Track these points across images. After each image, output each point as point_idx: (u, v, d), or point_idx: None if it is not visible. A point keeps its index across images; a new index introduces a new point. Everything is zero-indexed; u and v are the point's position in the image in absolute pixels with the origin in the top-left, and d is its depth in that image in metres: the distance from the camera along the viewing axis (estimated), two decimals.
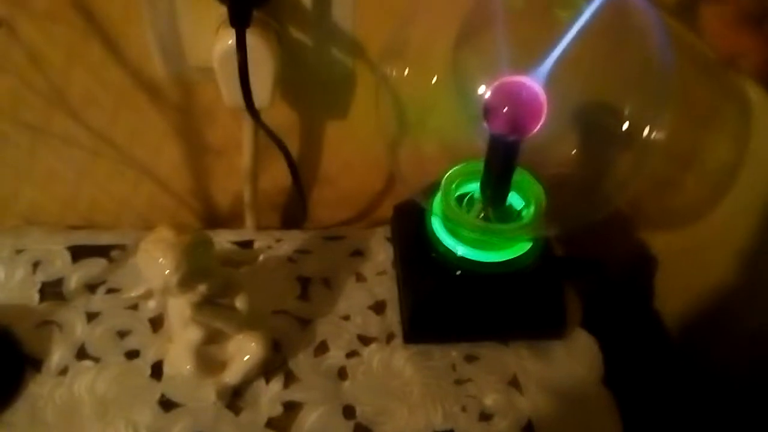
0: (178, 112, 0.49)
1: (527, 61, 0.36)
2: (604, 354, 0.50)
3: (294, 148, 0.53)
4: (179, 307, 0.40)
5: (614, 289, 0.67)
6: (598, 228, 0.62)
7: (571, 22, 0.33)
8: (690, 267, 0.64)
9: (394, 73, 0.40)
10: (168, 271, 0.36)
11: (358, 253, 0.54)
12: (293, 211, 0.59)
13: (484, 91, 0.37)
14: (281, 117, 0.50)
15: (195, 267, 0.37)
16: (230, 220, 0.58)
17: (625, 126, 0.38)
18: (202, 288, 0.38)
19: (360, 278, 0.52)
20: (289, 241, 0.54)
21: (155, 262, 0.36)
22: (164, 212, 0.58)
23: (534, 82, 0.36)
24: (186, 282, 0.37)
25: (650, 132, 0.37)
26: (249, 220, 0.55)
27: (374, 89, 0.42)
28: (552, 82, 0.36)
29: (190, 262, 0.36)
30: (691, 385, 0.60)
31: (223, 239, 0.53)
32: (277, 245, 0.54)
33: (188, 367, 0.41)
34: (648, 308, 0.68)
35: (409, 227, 0.49)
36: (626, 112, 0.38)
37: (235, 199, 0.56)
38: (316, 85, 0.49)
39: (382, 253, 0.54)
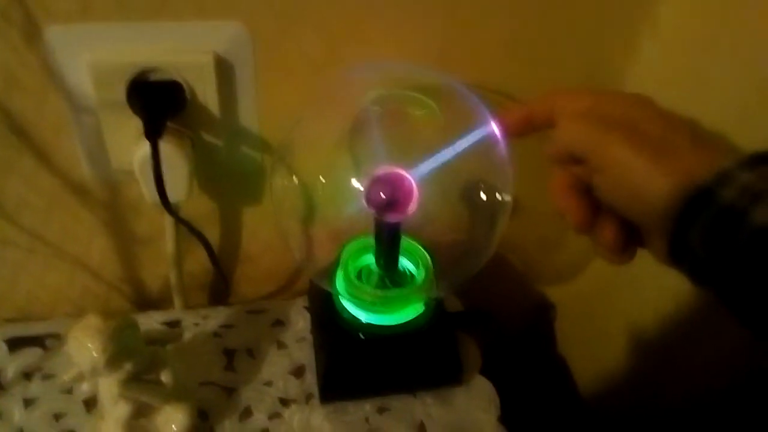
0: (106, 209, 0.55)
1: (397, 153, 0.44)
2: (507, 396, 0.57)
3: (215, 232, 0.60)
4: (108, 386, 0.44)
5: (518, 338, 0.75)
6: (497, 285, 0.70)
7: (428, 122, 0.41)
8: (581, 314, 0.72)
9: (287, 180, 0.48)
10: (95, 353, 0.41)
11: (279, 323, 0.60)
12: (219, 289, 0.65)
13: (364, 182, 0.44)
14: (202, 207, 0.57)
15: (121, 348, 0.42)
16: (160, 301, 0.63)
17: (483, 196, 0.46)
18: (128, 366, 0.43)
19: (281, 346, 0.58)
20: (215, 317, 0.59)
21: (84, 347, 0.41)
22: (97, 300, 0.62)
23: (405, 171, 0.44)
24: (113, 362, 0.42)
25: (501, 196, 0.45)
26: (177, 301, 0.60)
27: (271, 185, 0.49)
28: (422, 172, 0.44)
29: (116, 344, 0.42)
30: (588, 422, 0.67)
31: (153, 320, 0.58)
32: (204, 322, 0.59)
33: None
34: (551, 353, 0.75)
35: (322, 297, 0.55)
36: (482, 186, 0.46)
37: (163, 282, 0.61)
38: (230, 178, 0.56)
39: (301, 321, 0.60)
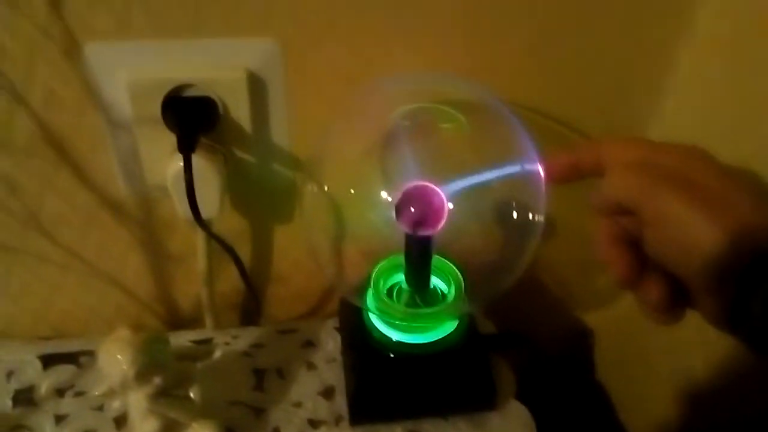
0: (140, 226, 0.56)
1: (428, 168, 0.43)
2: (544, 423, 0.54)
3: (247, 250, 0.60)
4: (137, 401, 0.44)
5: (555, 363, 0.72)
6: (534, 309, 0.68)
7: (457, 136, 0.41)
8: (621, 340, 0.69)
9: (317, 195, 0.48)
10: (125, 366, 0.41)
11: (310, 344, 0.59)
12: (250, 310, 0.64)
13: (393, 196, 0.44)
14: (233, 224, 0.57)
15: (150, 361, 0.42)
16: (192, 321, 0.63)
17: (515, 214, 0.45)
18: (157, 380, 0.43)
19: (311, 367, 0.57)
20: (246, 337, 0.59)
21: (114, 359, 0.41)
22: (131, 319, 0.62)
23: (436, 186, 0.43)
24: (142, 375, 0.42)
25: (534, 217, 0.44)
26: (208, 321, 0.60)
27: (301, 202, 0.49)
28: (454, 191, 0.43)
29: (146, 356, 0.41)
30: None
31: (184, 339, 0.58)
32: (234, 341, 0.59)
33: None
34: (590, 379, 0.72)
35: (352, 317, 0.54)
36: (514, 205, 0.45)
37: (195, 301, 0.61)
38: (262, 195, 0.56)
39: (331, 342, 0.59)
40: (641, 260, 0.35)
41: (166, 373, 0.44)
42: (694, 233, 0.30)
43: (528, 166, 0.41)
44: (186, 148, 0.45)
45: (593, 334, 0.72)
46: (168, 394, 0.45)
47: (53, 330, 0.62)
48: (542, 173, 0.41)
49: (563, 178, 0.39)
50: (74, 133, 0.49)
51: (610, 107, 0.55)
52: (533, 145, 0.41)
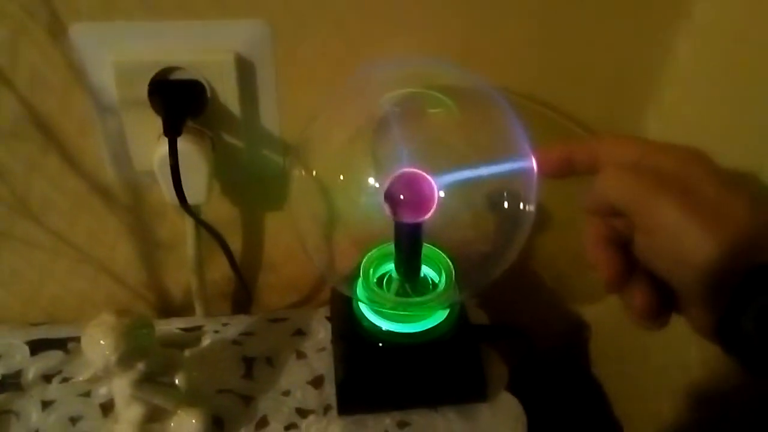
0: (129, 212, 0.55)
1: (418, 154, 0.43)
2: (538, 417, 0.54)
3: (237, 238, 0.59)
4: (121, 387, 0.44)
5: (550, 356, 0.72)
6: (529, 302, 0.67)
7: (447, 121, 0.40)
8: (617, 334, 0.68)
9: (305, 181, 0.47)
10: (108, 351, 0.40)
11: (300, 333, 0.58)
12: (241, 298, 0.64)
13: (382, 183, 0.43)
14: (223, 211, 0.56)
15: (134, 347, 0.41)
16: (183, 309, 0.63)
17: (506, 204, 0.45)
18: (141, 366, 0.42)
19: (301, 355, 0.56)
20: (236, 325, 0.58)
21: (97, 344, 0.41)
22: (121, 305, 0.61)
23: (426, 173, 0.43)
24: (125, 361, 0.41)
25: (525, 207, 0.43)
26: (198, 308, 0.59)
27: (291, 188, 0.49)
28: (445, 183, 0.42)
29: (129, 342, 0.41)
30: None
31: (173, 326, 0.58)
32: (224, 329, 0.58)
33: None
34: (585, 373, 0.72)
35: (343, 306, 0.54)
36: (505, 194, 0.44)
37: (185, 289, 0.60)
38: (251, 181, 0.55)
39: (322, 331, 0.58)
40: (630, 263, 0.33)
41: (151, 358, 0.43)
42: (687, 243, 0.29)
43: (520, 157, 0.40)
44: (171, 131, 0.44)
45: (589, 327, 0.72)
46: (153, 381, 0.44)
47: (45, 316, 0.61)
48: (534, 164, 0.39)
49: (556, 172, 0.38)
50: (61, 117, 0.48)
51: (608, 96, 0.54)
52: (526, 133, 0.40)
